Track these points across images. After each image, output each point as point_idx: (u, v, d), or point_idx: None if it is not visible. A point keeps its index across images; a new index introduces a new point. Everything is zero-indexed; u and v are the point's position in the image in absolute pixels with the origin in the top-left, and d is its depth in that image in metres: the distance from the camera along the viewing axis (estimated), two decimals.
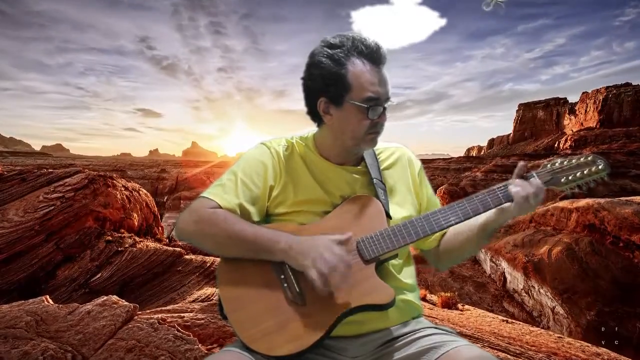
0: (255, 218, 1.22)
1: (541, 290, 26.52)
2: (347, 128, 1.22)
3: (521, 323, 5.82)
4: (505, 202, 1.18)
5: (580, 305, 23.39)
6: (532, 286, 27.52)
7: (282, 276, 1.14)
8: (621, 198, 29.52)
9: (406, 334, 1.21)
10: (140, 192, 23.31)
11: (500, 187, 1.19)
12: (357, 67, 1.18)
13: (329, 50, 1.19)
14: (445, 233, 1.37)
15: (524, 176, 1.19)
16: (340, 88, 1.19)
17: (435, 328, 1.23)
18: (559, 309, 24.64)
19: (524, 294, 28.48)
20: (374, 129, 1.22)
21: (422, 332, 1.20)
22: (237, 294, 1.14)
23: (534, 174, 1.19)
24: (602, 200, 28.88)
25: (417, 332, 1.21)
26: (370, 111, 1.18)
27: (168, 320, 2.56)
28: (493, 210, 1.20)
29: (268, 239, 1.12)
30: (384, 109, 1.21)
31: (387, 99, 1.21)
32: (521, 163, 1.20)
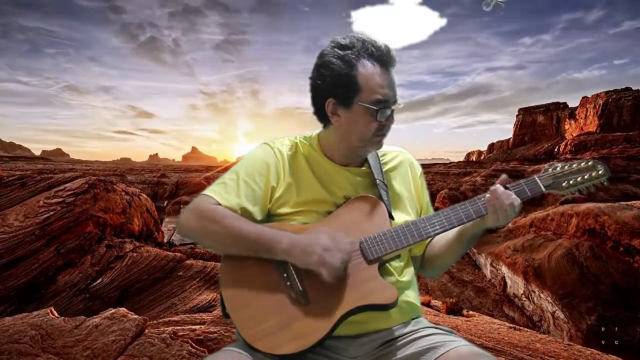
0: (257, 218, 1.22)
1: (541, 295, 26.47)
2: (355, 130, 1.23)
3: (528, 330, 5.77)
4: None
5: (581, 310, 23.33)
6: (533, 291, 27.47)
7: (285, 275, 1.13)
8: (621, 203, 29.53)
9: (406, 334, 1.21)
10: (141, 197, 23.28)
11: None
12: (368, 69, 1.18)
13: (339, 52, 1.19)
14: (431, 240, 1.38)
15: (505, 187, 1.18)
16: (349, 90, 1.19)
17: (435, 328, 1.23)
18: (559, 313, 24.58)
19: (524, 299, 28.41)
20: (381, 132, 1.23)
21: (421, 332, 1.20)
22: (239, 293, 1.14)
23: (516, 185, 1.19)
24: (602, 205, 28.91)
25: (417, 332, 1.21)
26: (379, 113, 1.19)
27: (180, 333, 2.49)
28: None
29: (269, 239, 1.12)
30: (392, 111, 1.22)
31: (395, 101, 1.22)
32: (503, 176, 1.21)
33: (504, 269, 31.08)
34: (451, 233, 1.27)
